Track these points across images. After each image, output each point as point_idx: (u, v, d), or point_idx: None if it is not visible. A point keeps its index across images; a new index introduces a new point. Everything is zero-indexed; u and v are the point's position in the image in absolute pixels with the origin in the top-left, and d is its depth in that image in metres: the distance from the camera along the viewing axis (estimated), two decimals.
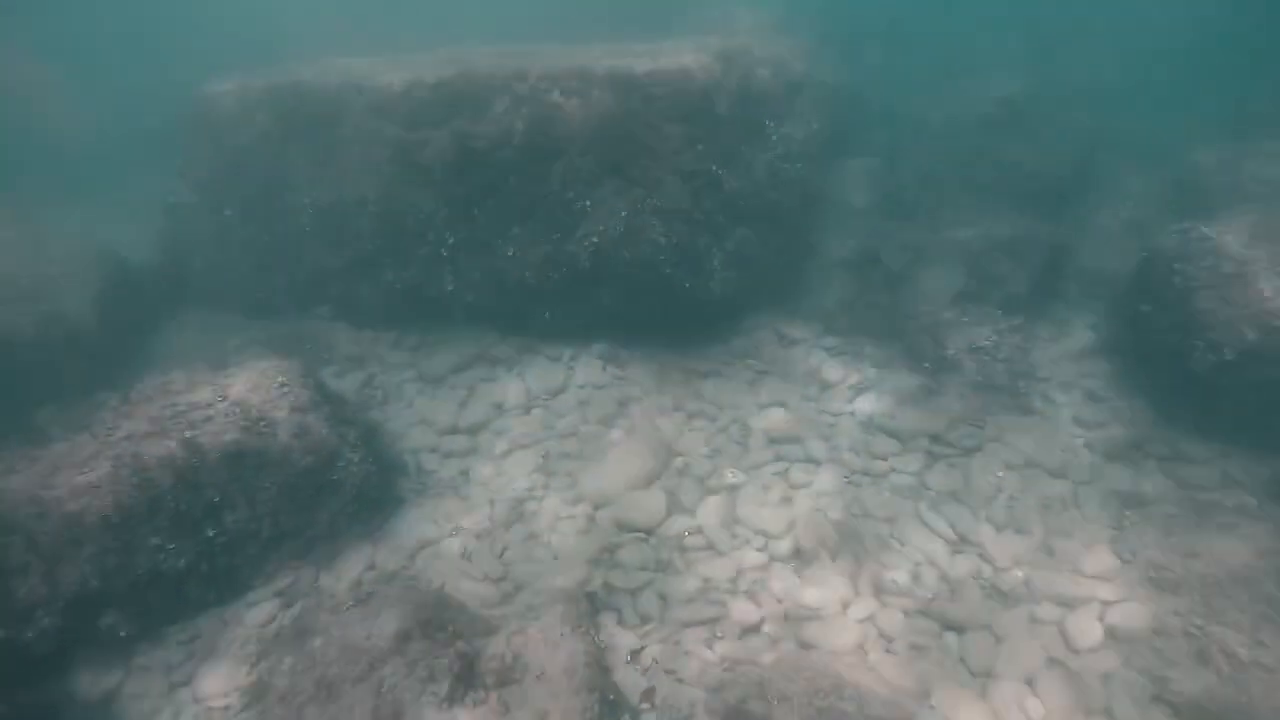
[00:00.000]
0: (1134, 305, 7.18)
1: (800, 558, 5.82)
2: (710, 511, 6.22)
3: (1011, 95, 10.04)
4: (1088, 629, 5.22)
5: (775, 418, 7.05)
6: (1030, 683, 4.93)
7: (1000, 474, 6.32)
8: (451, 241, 8.02)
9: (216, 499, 5.52)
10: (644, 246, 7.50)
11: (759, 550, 5.89)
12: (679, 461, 6.72)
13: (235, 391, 6.22)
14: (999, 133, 9.97)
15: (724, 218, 7.76)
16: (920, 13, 14.10)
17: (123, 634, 5.23)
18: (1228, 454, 6.38)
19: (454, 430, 7.30)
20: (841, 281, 9.02)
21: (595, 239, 7.50)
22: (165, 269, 9.20)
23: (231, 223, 8.73)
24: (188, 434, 5.53)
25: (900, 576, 5.59)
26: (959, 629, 5.29)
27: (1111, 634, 5.17)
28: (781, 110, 8.27)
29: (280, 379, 6.44)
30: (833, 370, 7.55)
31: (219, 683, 5.12)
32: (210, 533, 5.49)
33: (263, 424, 5.97)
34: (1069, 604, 5.38)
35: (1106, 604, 5.36)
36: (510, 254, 7.81)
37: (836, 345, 7.86)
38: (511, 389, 7.66)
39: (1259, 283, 6.26)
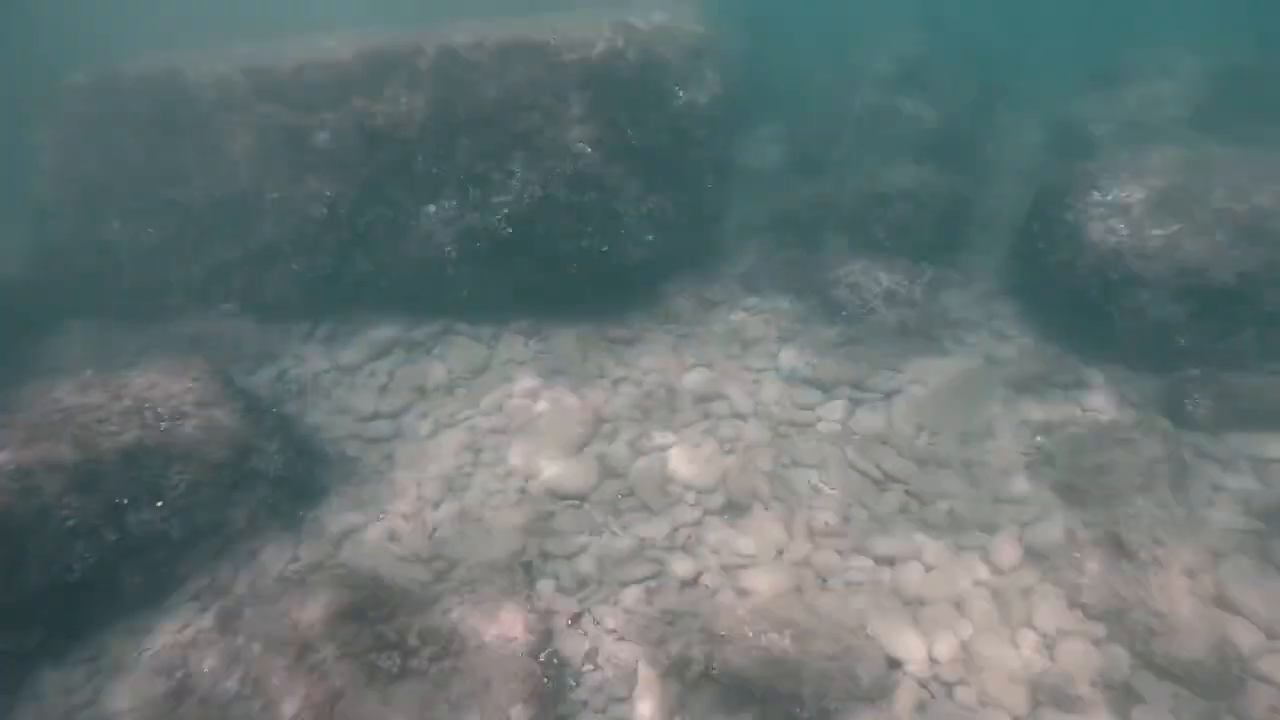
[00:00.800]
0: (1030, 244, 7.47)
1: (734, 510, 5.87)
2: (642, 473, 6.21)
3: (908, 54, 10.31)
4: (1008, 550, 5.43)
5: (700, 378, 7.09)
6: (958, 605, 5.09)
7: (920, 415, 6.50)
8: (362, 225, 7.77)
9: (118, 501, 5.21)
10: (559, 216, 7.42)
11: (692, 506, 5.92)
12: (607, 428, 6.69)
13: (133, 390, 5.89)
14: (898, 90, 10.22)
15: (636, 184, 7.73)
16: None
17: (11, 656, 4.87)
18: (1126, 378, 6.73)
19: (375, 416, 7.09)
20: (758, 241, 9.14)
21: (508, 210, 7.38)
22: (37, 279, 8.58)
23: (112, 223, 8.23)
24: (78, 434, 5.19)
25: (831, 518, 5.70)
26: (890, 562, 5.43)
27: (1030, 551, 5.39)
28: (685, 76, 8.27)
29: (186, 376, 6.13)
30: (754, 328, 7.63)
31: (127, 699, 4.81)
32: (112, 538, 5.17)
33: (165, 421, 5.66)
34: (990, 529, 5.58)
35: (1024, 524, 5.58)
36: (425, 232, 7.61)
37: (756, 304, 7.94)
38: (433, 371, 7.49)
39: (1136, 213, 6.61)
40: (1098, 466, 5.79)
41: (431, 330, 7.92)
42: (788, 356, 7.23)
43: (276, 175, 7.79)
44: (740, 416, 6.68)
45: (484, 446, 6.65)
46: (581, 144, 7.31)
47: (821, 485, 6.01)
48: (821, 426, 6.56)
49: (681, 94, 8.16)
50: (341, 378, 7.61)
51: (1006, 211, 9.10)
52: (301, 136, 7.61)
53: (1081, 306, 6.78)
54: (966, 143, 10.06)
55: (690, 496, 5.99)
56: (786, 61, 12.77)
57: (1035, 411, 6.53)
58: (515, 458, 6.45)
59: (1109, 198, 6.82)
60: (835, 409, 6.67)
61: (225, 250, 8.17)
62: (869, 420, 6.54)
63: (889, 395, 6.74)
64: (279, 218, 7.89)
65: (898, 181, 8.13)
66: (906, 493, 5.93)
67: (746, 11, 13.41)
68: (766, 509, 5.84)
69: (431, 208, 7.57)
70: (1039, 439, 6.22)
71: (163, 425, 5.63)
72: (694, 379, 7.08)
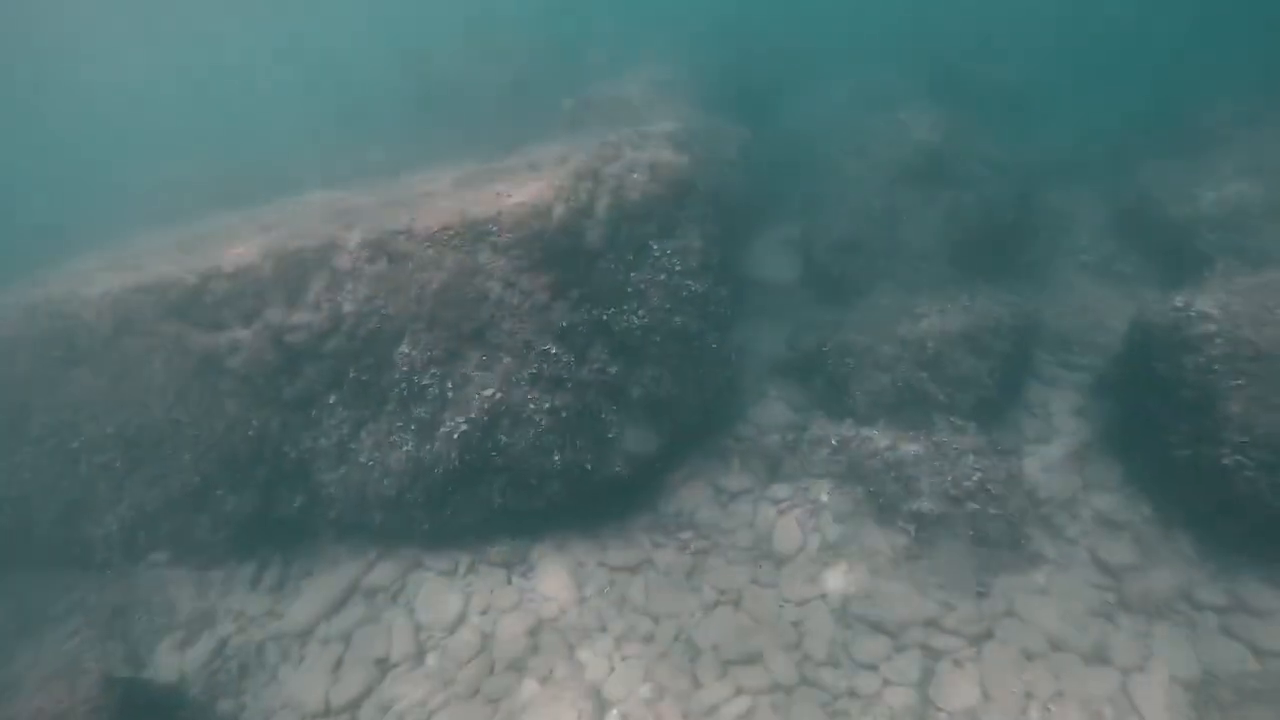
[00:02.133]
0: (1136, 397, 5.83)
1: None
2: None
3: (928, 140, 8.77)
4: None
5: (726, 624, 5.51)
6: None
7: (1024, 675, 4.83)
8: (293, 455, 6.41)
9: None
10: (525, 428, 5.98)
11: None
12: (614, 715, 5.13)
13: None
14: (922, 183, 8.68)
15: (620, 366, 6.30)
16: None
17: None
18: None
19: (326, 713, 5.62)
20: (778, 390, 7.61)
21: (464, 427, 5.96)
22: None
23: (20, 469, 6.97)
24: None
25: None
26: None
27: None
28: (670, 217, 6.84)
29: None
30: (787, 534, 6.05)
31: None
32: None
33: None
34: None
35: None
36: (364, 461, 6.21)
37: (786, 496, 6.37)
38: (397, 632, 6.02)
39: None
40: None
41: (394, 569, 6.48)
42: (835, 579, 5.64)
43: (192, 404, 6.47)
44: (782, 688, 5.07)
45: None
46: (545, 335, 5.89)
47: None
48: (891, 696, 4.92)
49: (668, 242, 6.75)
50: (289, 648, 6.17)
51: (1080, 327, 7.47)
52: (213, 359, 6.30)
53: (1227, 492, 5.09)
54: (1013, 238, 8.46)
55: None
56: (788, 143, 11.36)
57: (1183, 657, 4.81)
58: None
59: (1245, 348, 5.14)
60: (908, 666, 5.05)
61: (148, 493, 6.84)
62: (955, 686, 4.89)
63: (977, 641, 5.09)
64: (201, 454, 6.55)
65: (944, 324, 6.54)
66: None
67: (749, 95, 12.14)
68: None
69: (373, 430, 6.18)
70: (1196, 711, 4.51)
71: None
72: (718, 626, 5.51)
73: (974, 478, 5.61)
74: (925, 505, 5.61)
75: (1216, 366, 5.09)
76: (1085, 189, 9.10)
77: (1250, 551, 5.10)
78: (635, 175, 6.70)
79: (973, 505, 5.56)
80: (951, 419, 6.35)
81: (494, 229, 5.77)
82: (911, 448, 5.92)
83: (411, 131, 12.18)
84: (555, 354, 5.93)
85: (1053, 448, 6.41)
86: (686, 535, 6.32)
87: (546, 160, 6.75)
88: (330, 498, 6.50)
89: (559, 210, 5.99)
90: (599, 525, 6.49)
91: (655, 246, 6.59)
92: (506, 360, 5.96)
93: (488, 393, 5.92)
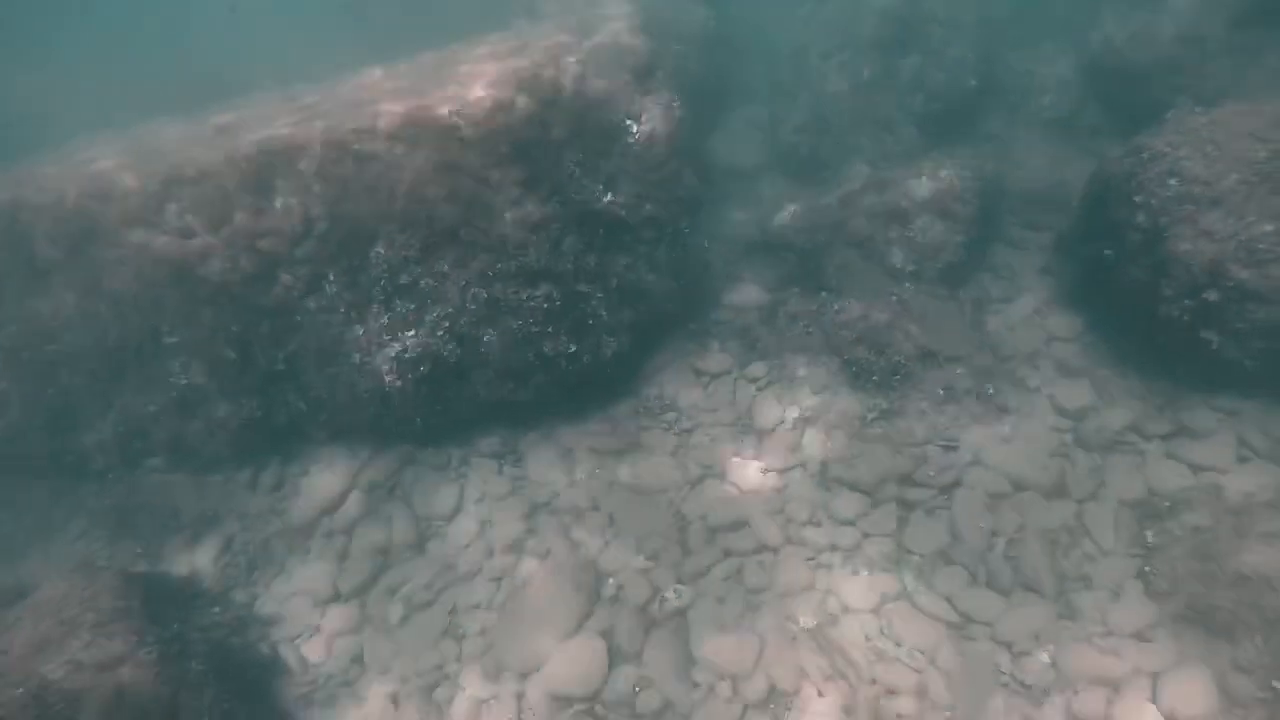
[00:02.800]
0: (1092, 247, 6.03)
1: (779, 699, 4.67)
2: (659, 652, 5.02)
3: (890, 6, 8.58)
4: (1139, 713, 4.20)
5: (714, 496, 5.81)
6: None
7: (990, 516, 5.20)
8: (282, 358, 6.48)
9: None
10: (506, 320, 6.07)
11: (728, 701, 4.72)
12: (610, 585, 5.49)
13: (18, 654, 4.76)
14: (886, 52, 8.55)
15: (597, 255, 6.35)
16: None
17: None
18: (1238, 414, 5.36)
19: (336, 597, 5.93)
20: (752, 272, 7.74)
21: (448, 324, 6.05)
22: None
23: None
24: None
25: (905, 704, 4.49)
26: None
27: (1171, 718, 4.16)
28: (634, 103, 6.75)
29: (85, 619, 4.98)
30: (767, 409, 6.30)
31: None
32: None
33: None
34: (1112, 685, 4.35)
35: (1155, 675, 4.34)
36: (358, 360, 6.30)
37: (763, 373, 6.58)
38: (397, 521, 6.27)
39: (1239, 207, 5.13)
40: (1238, 575, 4.49)
41: (389, 465, 6.68)
42: (813, 444, 5.93)
43: (170, 314, 6.46)
44: (769, 548, 5.42)
45: (466, 632, 5.48)
46: (519, 228, 5.91)
47: (885, 644, 4.77)
48: (870, 548, 5.30)
49: (635, 128, 6.68)
50: (295, 541, 6.43)
51: (1045, 185, 7.59)
52: (185, 269, 6.25)
53: (1170, 326, 5.36)
54: (979, 103, 8.45)
55: (724, 686, 4.79)
56: (754, 18, 11.06)
57: (1133, 484, 5.20)
58: (504, 647, 5.27)
59: (1194, 186, 5.31)
60: (884, 519, 5.40)
61: (137, 401, 6.91)
62: (928, 531, 5.27)
63: (948, 489, 5.44)
64: (185, 362, 6.60)
65: (914, 191, 6.63)
66: (993, 640, 4.69)
67: None
68: (821, 694, 4.63)
69: (359, 330, 6.24)
70: (1149, 532, 4.91)
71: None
72: (706, 499, 5.81)
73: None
74: (896, 360, 5.86)
75: (1165, 206, 5.26)
76: (1049, 42, 9.01)
77: (1194, 381, 5.43)
78: (595, 61, 6.57)
79: (940, 368, 5.81)
80: (921, 285, 6.53)
81: (459, 123, 5.67)
82: (882, 316, 6.11)
83: (357, 26, 11.70)
84: (531, 247, 5.95)
85: (1016, 305, 6.64)
86: (670, 416, 6.54)
87: (505, 50, 6.58)
88: (320, 400, 6.61)
89: (522, 102, 5.89)
90: (585, 413, 6.68)
91: (620, 134, 6.53)
92: (484, 256, 5.99)
93: (467, 288, 5.98)
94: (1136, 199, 5.44)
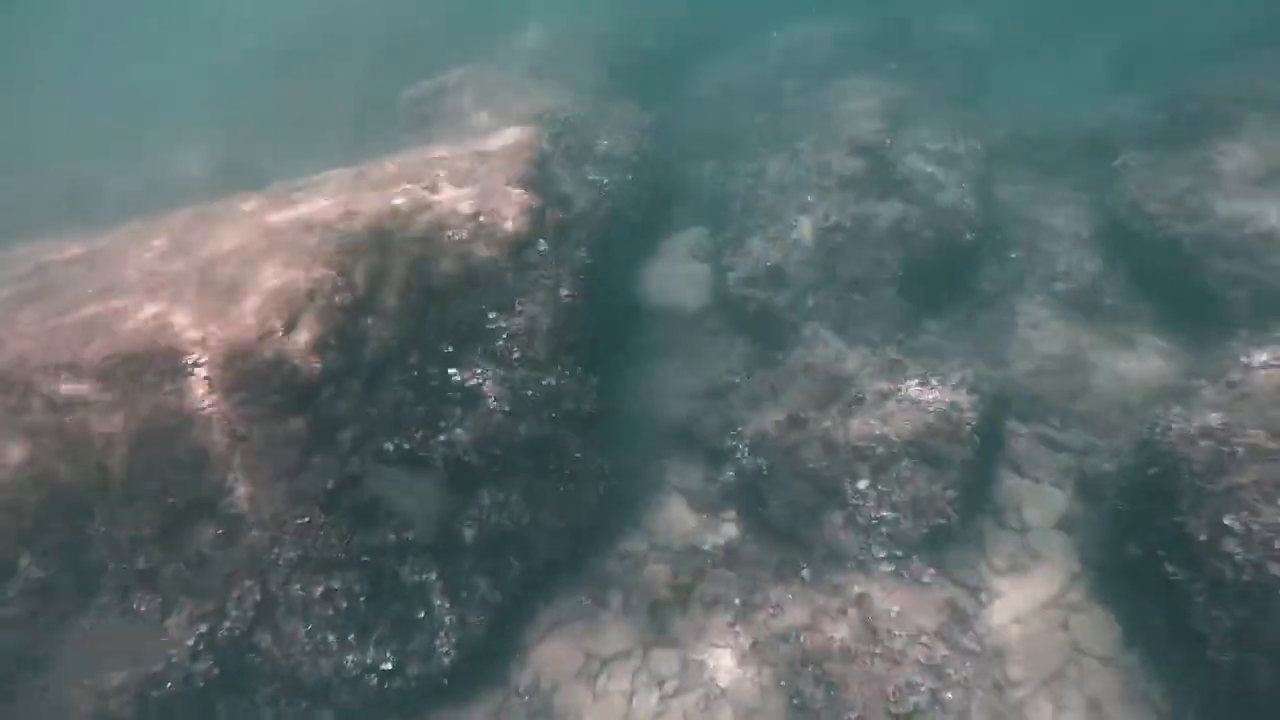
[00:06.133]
0: (1142, 543, 4.17)
1: None
2: None
3: (869, 135, 6.83)
4: None
5: None
6: None
7: None
8: None
9: None
10: (292, 622, 4.17)
11: None
12: None
13: None
14: (862, 190, 6.79)
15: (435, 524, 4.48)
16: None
17: None
18: None
19: None
20: (682, 486, 5.92)
21: (205, 628, 4.13)
22: None
23: None
24: None
25: None
26: None
27: None
28: (504, 287, 4.92)
29: None
30: None
31: None
32: None
33: None
34: None
35: None
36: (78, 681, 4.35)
37: (673, 673, 4.67)
38: None
39: None
40: None
41: None
42: None
43: None
44: None
45: None
46: (305, 508, 4.02)
47: None
48: None
49: (504, 323, 4.85)
50: None
51: (1057, 392, 5.79)
52: None
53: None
54: (972, 262, 6.68)
55: None
56: (702, 121, 9.33)
57: None
58: None
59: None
60: None
61: None
62: None
63: None
64: None
65: (888, 421, 4.78)
66: None
67: (640, 52, 10.01)
68: None
69: (80, 641, 4.30)
70: None
71: None
72: None
73: (921, 689, 3.93)
74: None
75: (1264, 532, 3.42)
76: (1062, 188, 7.28)
77: None
78: (451, 234, 4.75)
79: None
80: (896, 554, 4.66)
81: (202, 359, 3.81)
82: (836, 634, 4.20)
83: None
84: (322, 525, 4.07)
85: (1029, 586, 4.76)
86: None
87: (330, 209, 4.75)
88: None
89: (308, 329, 4.02)
90: None
91: (483, 333, 4.71)
92: (254, 534, 4.09)
93: (238, 583, 4.08)
94: (1227, 520, 3.58)
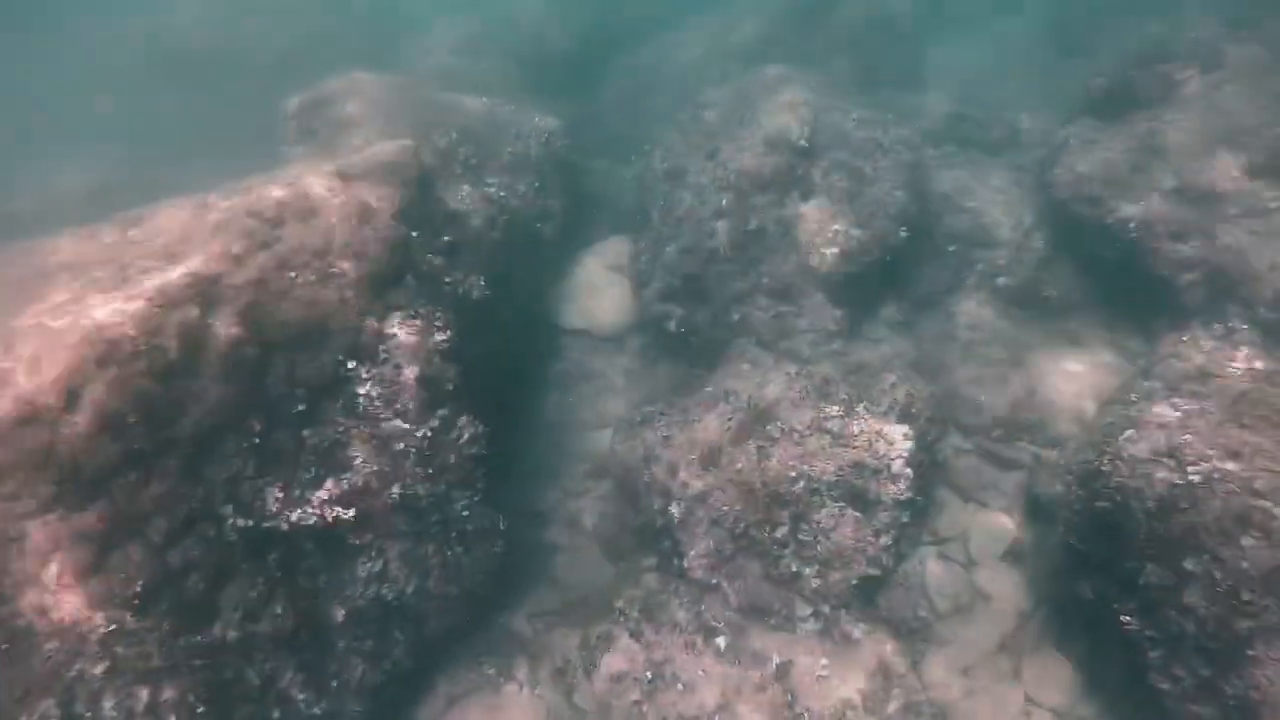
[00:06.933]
0: (1092, 586, 3.64)
1: None
2: None
3: (788, 131, 6.24)
4: None
5: None
6: None
7: None
8: None
9: None
10: None
11: None
12: None
13: None
14: (784, 189, 6.22)
15: (288, 600, 3.87)
16: None
17: None
18: None
19: None
20: (591, 543, 5.37)
21: None
22: None
23: None
24: None
25: None
26: None
27: None
28: (370, 323, 4.32)
29: None
30: None
31: None
32: None
33: None
34: None
35: None
36: None
37: None
38: None
39: None
40: None
41: None
42: None
43: None
44: None
45: None
46: (117, 614, 3.39)
47: None
48: None
49: (363, 374, 4.24)
50: None
51: (1001, 402, 5.26)
52: None
53: None
54: (907, 260, 6.14)
55: None
56: (621, 120, 8.75)
57: None
58: None
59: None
60: None
61: None
62: None
63: None
64: None
65: (812, 459, 4.22)
66: None
67: (557, 49, 9.38)
68: None
69: None
70: None
71: None
72: None
73: None
74: None
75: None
76: (1004, 170, 6.76)
77: None
78: (295, 276, 4.12)
79: None
80: (824, 609, 4.11)
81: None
82: (754, 673, 3.64)
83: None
84: (134, 631, 3.44)
85: (974, 630, 4.23)
86: None
87: (138, 245, 4.10)
88: None
89: (97, 395, 3.37)
90: None
91: (340, 384, 4.10)
92: (50, 646, 3.45)
93: (32, 705, 3.43)
94: (1187, 564, 3.06)
